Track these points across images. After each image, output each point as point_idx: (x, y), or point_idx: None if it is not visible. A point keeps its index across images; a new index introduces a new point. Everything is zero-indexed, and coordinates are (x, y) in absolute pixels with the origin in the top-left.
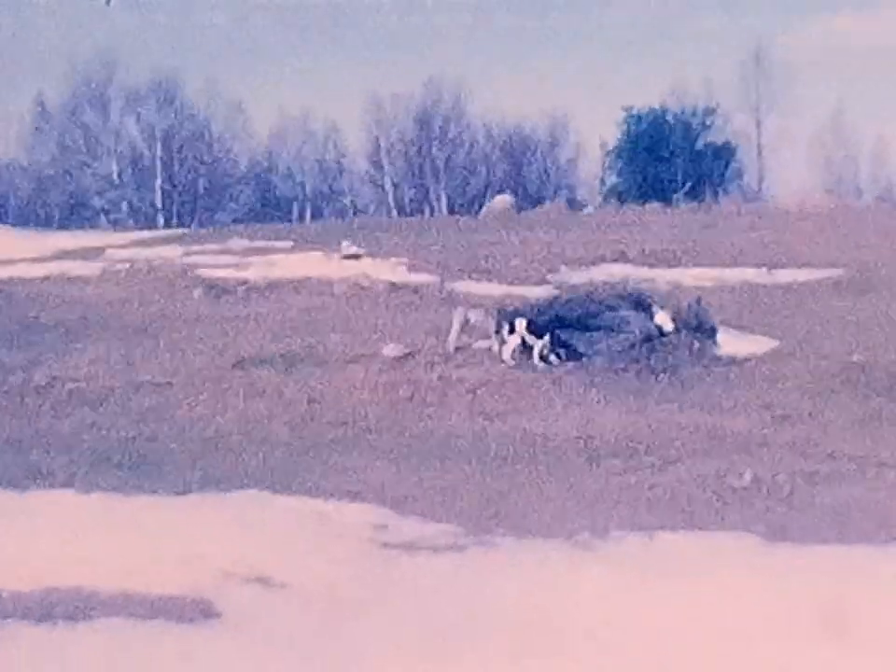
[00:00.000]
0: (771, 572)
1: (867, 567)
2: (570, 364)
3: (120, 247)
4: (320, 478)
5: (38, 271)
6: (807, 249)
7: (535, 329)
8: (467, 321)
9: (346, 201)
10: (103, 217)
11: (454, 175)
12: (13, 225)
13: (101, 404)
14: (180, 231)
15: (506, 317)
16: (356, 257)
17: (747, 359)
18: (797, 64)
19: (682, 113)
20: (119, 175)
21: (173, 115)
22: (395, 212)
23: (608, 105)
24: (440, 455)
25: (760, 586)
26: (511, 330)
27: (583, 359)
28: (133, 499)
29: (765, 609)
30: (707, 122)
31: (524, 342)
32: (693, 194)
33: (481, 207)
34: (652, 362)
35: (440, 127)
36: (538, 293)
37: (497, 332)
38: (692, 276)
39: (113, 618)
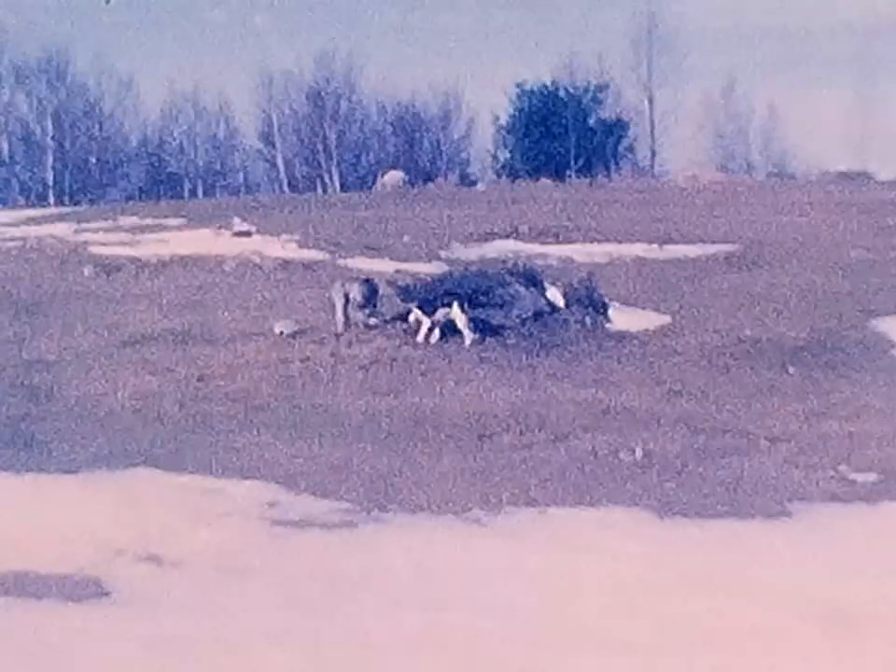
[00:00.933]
0: (662, 546)
1: (758, 541)
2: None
3: (11, 225)
4: (211, 455)
5: None
6: (699, 225)
7: (425, 305)
8: (347, 297)
9: (238, 178)
10: None
11: (346, 152)
12: None
13: None
14: (71, 208)
15: (402, 294)
16: (247, 234)
17: (638, 335)
18: (688, 37)
19: (574, 88)
20: (10, 153)
21: (63, 91)
22: (287, 189)
23: (500, 80)
24: (331, 431)
25: (651, 560)
26: (432, 311)
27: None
28: (22, 478)
29: (656, 583)
30: (600, 98)
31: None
32: (586, 170)
33: (373, 183)
34: (544, 338)
35: (332, 103)
36: (429, 269)
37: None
38: (583, 252)
39: (2, 597)
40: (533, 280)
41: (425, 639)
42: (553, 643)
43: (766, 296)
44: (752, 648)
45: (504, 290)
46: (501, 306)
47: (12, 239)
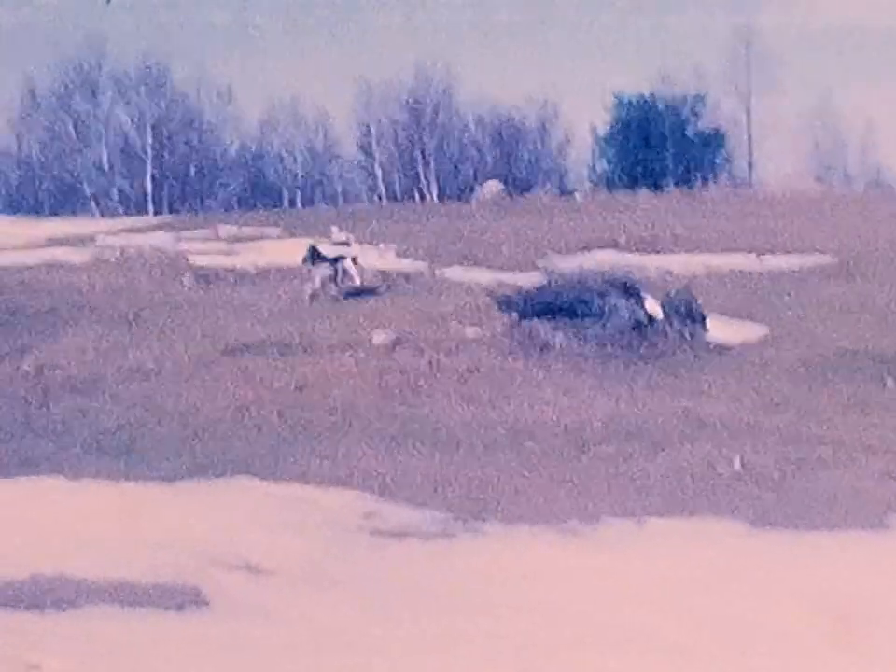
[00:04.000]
0: (758, 558)
1: (854, 552)
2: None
3: (110, 234)
4: (309, 465)
5: (28, 258)
6: (796, 236)
7: (524, 315)
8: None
9: (336, 187)
10: (93, 204)
11: (444, 162)
12: (3, 212)
13: (90, 391)
14: (170, 217)
15: (500, 304)
16: (345, 244)
17: (736, 346)
18: (787, 48)
19: (672, 99)
20: (110, 163)
21: (163, 102)
22: (385, 199)
23: (598, 91)
24: (429, 442)
25: (747, 571)
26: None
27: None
28: (121, 486)
29: (753, 594)
30: (697, 109)
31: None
32: (683, 181)
33: (471, 194)
34: (642, 349)
35: (430, 113)
36: (527, 280)
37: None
38: (681, 263)
39: (101, 605)
40: (631, 291)
41: (518, 648)
42: (648, 652)
43: (864, 307)
44: (843, 662)
45: (602, 301)
46: (600, 317)
47: (112, 248)
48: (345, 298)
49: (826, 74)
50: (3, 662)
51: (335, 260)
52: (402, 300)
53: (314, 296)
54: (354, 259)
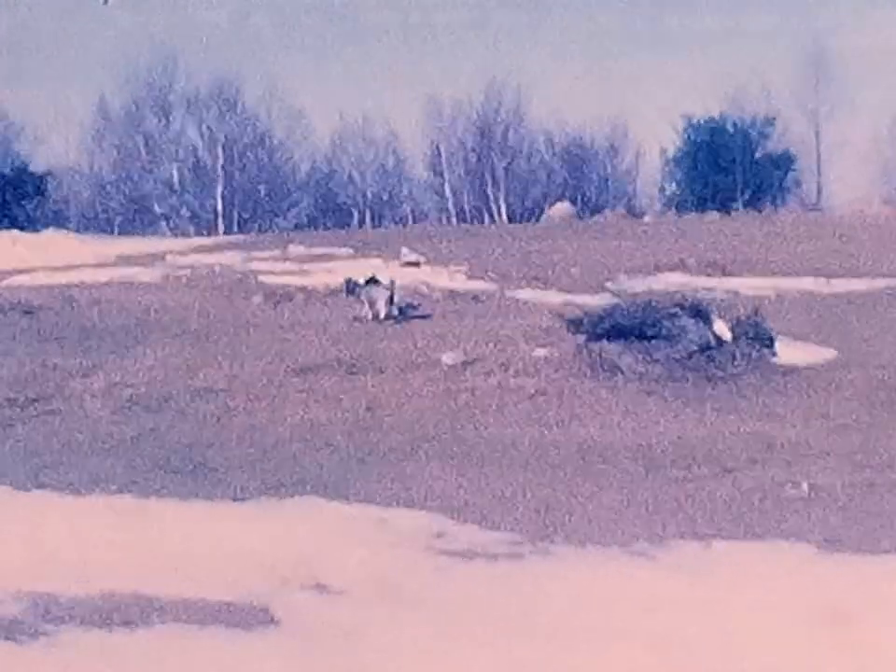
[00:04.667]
0: (826, 581)
1: None
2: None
3: (181, 253)
4: (378, 485)
5: (99, 276)
6: (866, 259)
7: (592, 337)
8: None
9: (406, 207)
10: (163, 222)
11: (513, 183)
12: (75, 231)
13: (160, 409)
14: (240, 237)
15: (569, 325)
16: (415, 264)
17: (805, 369)
18: (856, 69)
19: (742, 122)
20: (180, 181)
21: (234, 120)
22: (455, 219)
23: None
24: (498, 462)
25: (815, 595)
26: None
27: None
28: (190, 505)
29: (820, 618)
30: (766, 131)
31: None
32: (752, 203)
33: (541, 215)
34: (710, 371)
35: (500, 134)
36: (596, 301)
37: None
38: (750, 285)
39: (170, 624)
40: (700, 313)
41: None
42: None
43: None
44: None
45: (671, 323)
46: (668, 339)
47: (182, 267)
48: (406, 318)
49: None
50: None
51: (374, 283)
52: (472, 320)
53: (374, 317)
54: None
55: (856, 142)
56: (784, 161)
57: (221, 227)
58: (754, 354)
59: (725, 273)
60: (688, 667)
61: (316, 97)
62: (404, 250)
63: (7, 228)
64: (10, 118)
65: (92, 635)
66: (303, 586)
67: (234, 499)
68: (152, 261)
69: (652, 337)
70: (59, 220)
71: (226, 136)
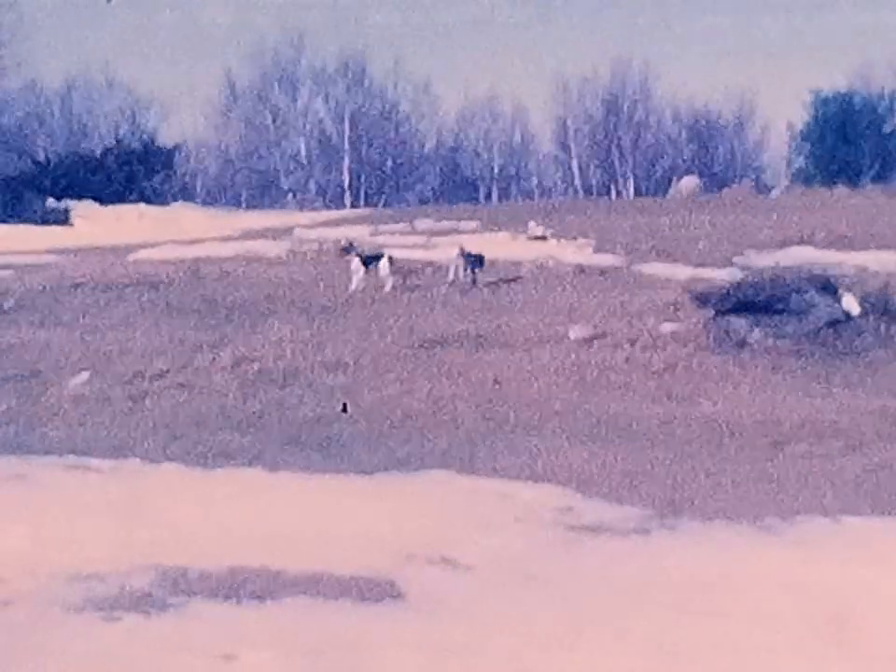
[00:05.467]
0: None
1: None
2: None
3: (308, 227)
4: (505, 459)
5: (226, 250)
6: None
7: (720, 312)
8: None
9: (532, 182)
10: (290, 196)
11: (640, 157)
12: (202, 205)
13: (288, 384)
14: (367, 210)
15: (697, 299)
16: (542, 238)
17: None
18: None
19: (870, 96)
20: (307, 155)
21: (360, 95)
22: (581, 193)
23: (796, 87)
24: (625, 437)
25: None
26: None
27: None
28: (319, 479)
29: None
30: (895, 106)
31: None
32: (880, 177)
33: (667, 189)
34: (839, 346)
35: (627, 109)
36: (724, 276)
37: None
38: (879, 260)
39: (298, 597)
40: (828, 288)
41: (707, 648)
42: (840, 657)
43: None
44: None
45: (799, 298)
46: (797, 314)
47: (309, 241)
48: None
49: None
50: (201, 653)
51: (376, 258)
52: (599, 295)
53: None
54: (390, 259)
55: None
56: None
57: (348, 201)
58: (883, 329)
59: (854, 247)
60: (807, 647)
61: (443, 71)
62: (531, 224)
63: (135, 202)
64: (139, 92)
65: (221, 608)
66: (430, 561)
67: (361, 473)
68: (279, 235)
69: (780, 312)
70: (186, 194)
71: (353, 110)
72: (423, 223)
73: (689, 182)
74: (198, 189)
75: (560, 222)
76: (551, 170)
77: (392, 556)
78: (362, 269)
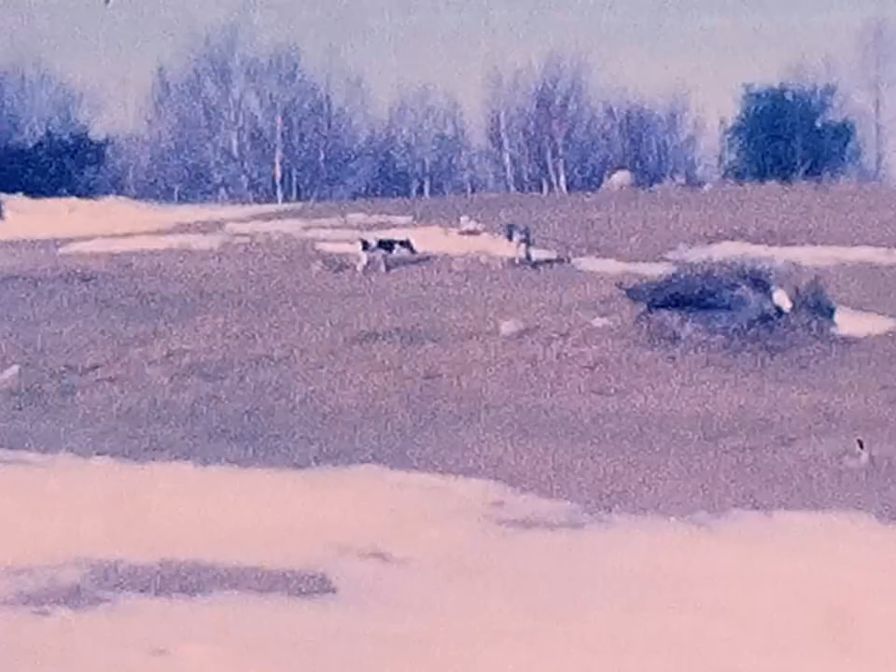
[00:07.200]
0: (886, 551)
1: None
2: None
3: (240, 221)
4: (437, 453)
5: (158, 244)
6: None
7: (652, 306)
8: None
9: (465, 176)
10: (222, 190)
11: (572, 152)
12: (134, 198)
13: (219, 377)
14: (299, 205)
15: (629, 294)
16: (474, 232)
17: (865, 339)
18: None
19: (802, 92)
20: (239, 149)
21: (293, 88)
22: (513, 188)
23: (727, 82)
24: (557, 431)
25: (875, 564)
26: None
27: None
28: (250, 472)
29: (881, 587)
30: (827, 101)
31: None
32: (812, 173)
33: (600, 184)
34: (770, 341)
35: (559, 103)
36: (656, 270)
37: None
38: (810, 255)
39: (230, 591)
40: (760, 283)
41: (648, 642)
42: (781, 648)
43: None
44: None
45: (731, 292)
46: (728, 308)
47: (241, 235)
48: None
49: None
50: (132, 646)
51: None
52: (531, 289)
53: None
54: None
55: None
56: (843, 132)
57: (280, 195)
58: (814, 324)
59: (785, 242)
60: (748, 639)
61: (375, 65)
62: (463, 219)
63: (67, 195)
64: (70, 85)
65: (152, 602)
66: (363, 555)
67: (293, 467)
68: (211, 229)
69: (712, 307)
70: (118, 188)
71: (285, 104)
72: (355, 217)
73: (621, 177)
74: (130, 183)
75: (492, 216)
76: (483, 164)
77: (324, 550)
78: (364, 254)
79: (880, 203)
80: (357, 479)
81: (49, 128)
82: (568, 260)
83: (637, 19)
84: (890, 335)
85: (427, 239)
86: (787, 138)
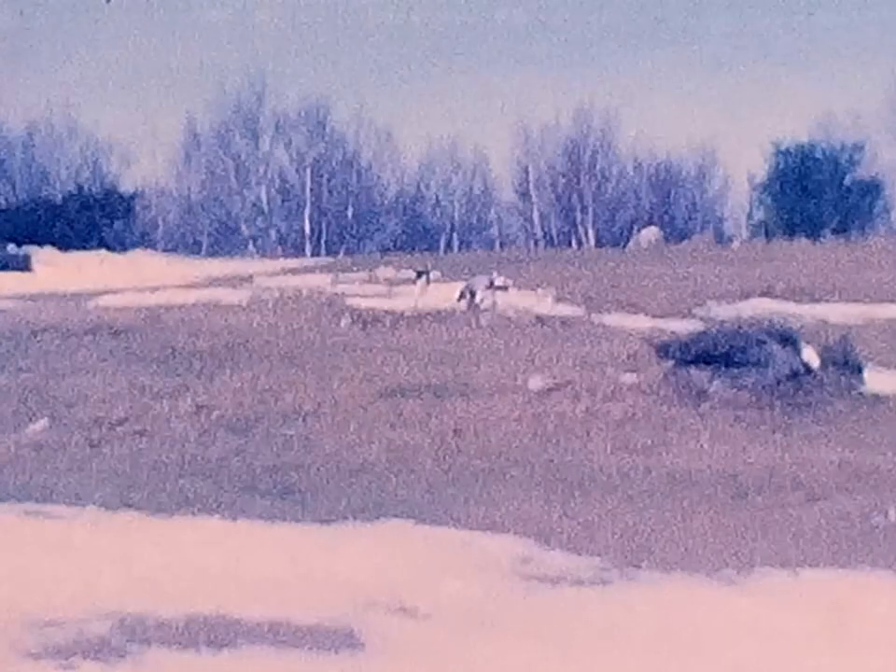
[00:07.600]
0: None
1: None
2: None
3: (268, 275)
4: (464, 508)
5: (187, 297)
6: None
7: (681, 363)
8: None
9: (493, 232)
10: (251, 244)
11: (601, 208)
12: (163, 251)
13: (247, 432)
14: (328, 259)
15: (658, 350)
16: (503, 288)
17: (893, 397)
18: None
19: (831, 148)
20: (268, 203)
21: (322, 142)
22: (542, 243)
23: (756, 138)
24: (585, 488)
25: None
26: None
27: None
28: (277, 527)
29: None
30: (856, 158)
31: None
32: (841, 230)
33: (628, 240)
34: (799, 398)
35: (588, 158)
36: (684, 327)
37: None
38: (839, 312)
39: (256, 645)
40: (789, 340)
41: None
42: None
43: None
44: None
45: (759, 349)
46: (756, 365)
47: (269, 289)
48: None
49: None
50: None
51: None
52: (559, 345)
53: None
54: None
55: None
56: (873, 188)
57: (309, 249)
58: (843, 381)
59: (814, 299)
60: None
61: (405, 120)
62: (493, 275)
63: (96, 248)
64: (99, 138)
65: (179, 656)
66: (390, 610)
67: (320, 522)
68: (239, 283)
69: (741, 363)
70: (147, 241)
71: (314, 158)
72: (384, 272)
73: (649, 233)
74: (159, 236)
75: (521, 272)
76: (512, 220)
77: (351, 605)
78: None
79: None
80: (383, 534)
81: (79, 181)
82: (589, 317)
83: (666, 74)
84: None
85: (456, 295)
86: (816, 195)
